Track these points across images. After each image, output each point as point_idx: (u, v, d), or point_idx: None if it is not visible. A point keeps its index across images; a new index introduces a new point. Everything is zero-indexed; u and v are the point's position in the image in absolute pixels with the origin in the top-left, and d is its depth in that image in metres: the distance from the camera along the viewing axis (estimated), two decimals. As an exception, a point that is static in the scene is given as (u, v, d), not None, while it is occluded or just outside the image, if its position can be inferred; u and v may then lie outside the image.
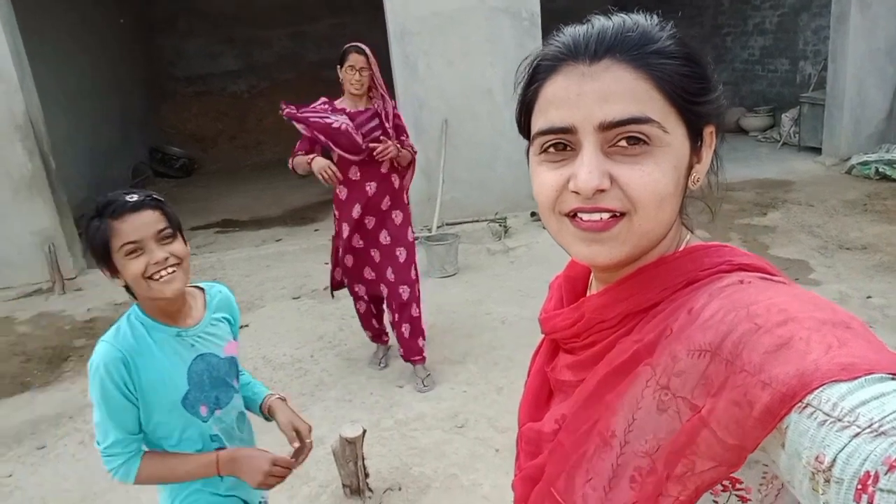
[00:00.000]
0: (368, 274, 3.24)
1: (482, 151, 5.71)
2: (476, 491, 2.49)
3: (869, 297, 3.74)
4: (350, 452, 2.37)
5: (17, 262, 5.24)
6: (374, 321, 3.46)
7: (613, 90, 0.59)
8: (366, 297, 3.33)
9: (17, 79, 4.99)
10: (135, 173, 8.96)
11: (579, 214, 0.61)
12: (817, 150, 7.03)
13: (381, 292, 3.26)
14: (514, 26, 5.51)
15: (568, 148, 0.61)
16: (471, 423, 2.91)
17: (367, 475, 2.46)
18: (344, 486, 2.46)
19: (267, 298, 4.62)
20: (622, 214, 0.60)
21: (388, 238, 3.17)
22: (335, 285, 3.39)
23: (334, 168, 2.96)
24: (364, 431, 2.40)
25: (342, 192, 3.11)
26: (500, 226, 5.40)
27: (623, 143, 0.59)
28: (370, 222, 3.15)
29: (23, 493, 2.75)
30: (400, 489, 2.54)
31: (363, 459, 2.42)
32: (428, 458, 2.70)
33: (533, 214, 5.63)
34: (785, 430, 0.47)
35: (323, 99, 3.11)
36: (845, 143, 6.64)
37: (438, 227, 5.46)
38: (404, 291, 3.18)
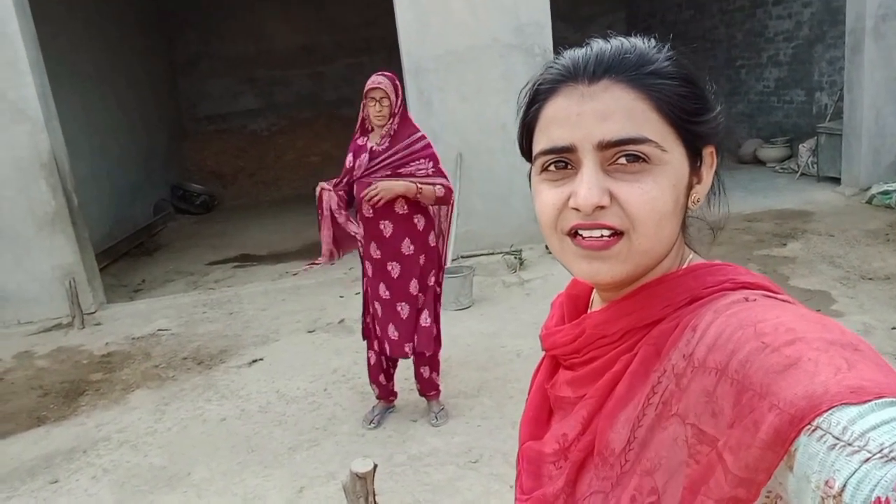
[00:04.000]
0: (393, 333, 2.99)
1: (497, 185, 5.74)
2: (490, 529, 2.42)
3: (894, 328, 3.64)
4: (361, 488, 2.32)
5: (39, 296, 5.33)
6: (382, 377, 3.19)
7: (612, 109, 0.60)
8: (378, 350, 3.10)
9: (43, 119, 5.14)
10: (156, 210, 9.14)
11: (580, 232, 0.61)
12: (836, 181, 6.96)
13: (406, 354, 3.03)
14: (526, 62, 5.59)
15: (569, 167, 0.62)
16: (485, 458, 2.86)
17: (378, 512, 2.41)
18: (355, 522, 2.41)
19: (282, 332, 4.63)
20: (622, 234, 0.60)
21: (417, 287, 2.98)
22: (368, 334, 3.14)
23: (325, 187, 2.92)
24: (375, 466, 2.36)
25: (360, 230, 2.96)
26: (516, 258, 5.39)
27: (623, 160, 0.60)
28: (394, 270, 2.92)
29: (34, 528, 2.74)
30: (412, 526, 2.48)
31: (374, 495, 2.37)
32: (441, 494, 2.65)
33: (548, 247, 5.61)
34: (794, 452, 0.46)
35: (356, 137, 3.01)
36: (864, 172, 6.57)
37: (454, 260, 5.45)
38: (430, 345, 3.05)
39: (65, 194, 5.30)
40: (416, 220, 2.92)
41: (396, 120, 2.89)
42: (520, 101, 0.68)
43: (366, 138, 2.97)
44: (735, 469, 0.49)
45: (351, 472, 2.33)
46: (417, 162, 2.89)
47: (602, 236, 0.60)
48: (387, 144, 2.89)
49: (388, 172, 2.87)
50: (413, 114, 5.66)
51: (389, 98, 2.84)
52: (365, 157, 2.91)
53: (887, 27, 6.28)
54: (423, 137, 2.94)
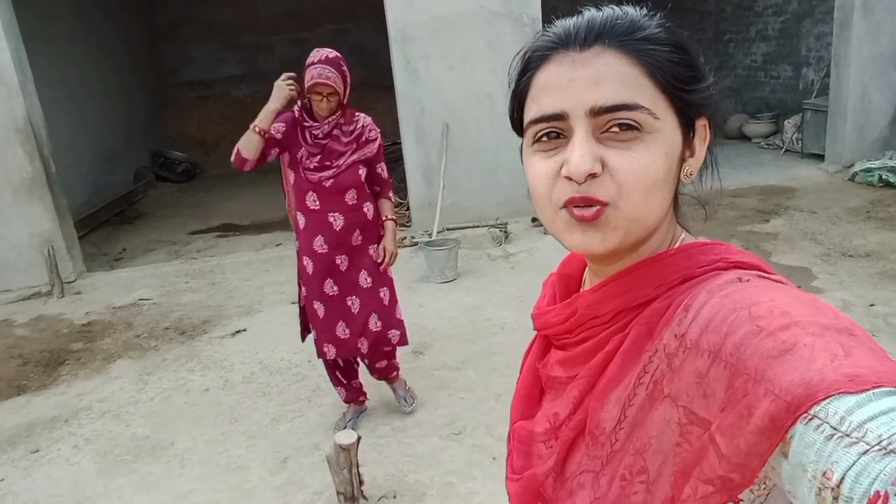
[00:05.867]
0: (342, 332, 2.73)
1: (483, 156, 5.70)
2: (472, 499, 2.45)
3: (872, 305, 3.70)
4: (344, 459, 2.34)
5: (17, 264, 5.24)
6: (341, 376, 2.89)
7: (604, 75, 0.59)
8: (319, 355, 2.84)
9: (17, 82, 4.99)
10: (136, 177, 8.98)
11: (573, 208, 0.60)
12: (820, 157, 7.01)
13: (358, 350, 2.80)
14: (514, 31, 5.51)
15: (560, 136, 0.61)
16: (468, 430, 2.88)
17: (361, 482, 2.43)
18: (338, 493, 2.43)
19: (266, 303, 4.60)
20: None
21: (370, 280, 2.74)
22: (306, 327, 2.90)
23: (289, 81, 2.60)
24: (359, 438, 2.37)
25: (300, 220, 2.67)
26: (501, 231, 5.38)
27: (615, 128, 0.59)
28: (343, 263, 2.68)
29: (15, 497, 2.72)
30: (395, 497, 2.50)
31: (357, 466, 2.39)
32: (424, 465, 2.67)
33: (534, 220, 5.61)
34: (789, 439, 0.45)
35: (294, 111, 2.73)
36: (848, 149, 6.61)
37: (439, 232, 5.44)
38: (394, 336, 2.83)
39: (42, 160, 5.18)
40: (365, 210, 2.70)
41: (345, 112, 2.62)
42: (511, 71, 0.67)
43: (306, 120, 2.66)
44: (728, 453, 0.49)
45: (335, 444, 2.34)
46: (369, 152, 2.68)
47: (595, 209, 0.59)
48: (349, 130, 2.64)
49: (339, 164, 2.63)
50: (399, 83, 5.59)
51: (338, 93, 2.53)
52: (315, 155, 2.63)
53: (876, 3, 6.26)
54: (371, 128, 2.70)
